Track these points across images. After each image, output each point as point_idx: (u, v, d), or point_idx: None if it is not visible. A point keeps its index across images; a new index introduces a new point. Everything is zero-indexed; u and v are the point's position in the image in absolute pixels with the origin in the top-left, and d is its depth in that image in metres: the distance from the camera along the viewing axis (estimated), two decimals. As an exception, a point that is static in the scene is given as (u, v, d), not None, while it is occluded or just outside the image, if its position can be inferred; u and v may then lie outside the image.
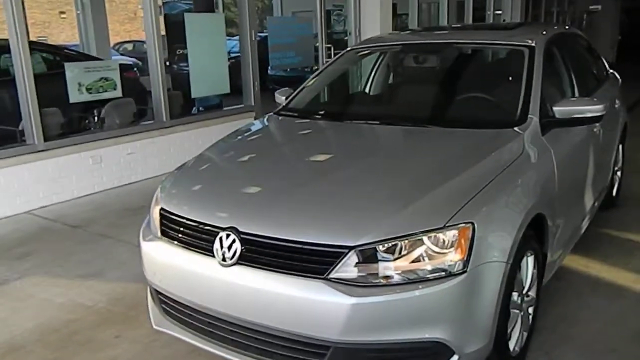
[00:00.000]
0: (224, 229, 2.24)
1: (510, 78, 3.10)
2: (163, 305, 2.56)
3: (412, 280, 2.05)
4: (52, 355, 2.80)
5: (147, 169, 5.97)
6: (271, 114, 3.48)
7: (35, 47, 7.24)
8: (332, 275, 2.04)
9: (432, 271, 2.06)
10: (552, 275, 3.03)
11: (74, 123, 5.83)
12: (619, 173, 4.76)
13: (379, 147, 2.79)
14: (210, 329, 2.33)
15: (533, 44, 3.23)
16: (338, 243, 2.06)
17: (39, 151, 5.15)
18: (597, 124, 3.58)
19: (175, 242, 2.43)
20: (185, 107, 6.87)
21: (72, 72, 5.45)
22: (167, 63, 6.87)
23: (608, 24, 19.18)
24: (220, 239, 2.23)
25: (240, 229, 2.21)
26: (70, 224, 4.76)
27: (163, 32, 7.14)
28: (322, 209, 2.23)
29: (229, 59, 6.99)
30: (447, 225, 2.09)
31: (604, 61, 4.68)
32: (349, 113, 3.33)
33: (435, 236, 2.07)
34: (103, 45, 10.43)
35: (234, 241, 2.20)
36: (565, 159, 2.99)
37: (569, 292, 3.32)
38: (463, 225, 2.10)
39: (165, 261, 2.45)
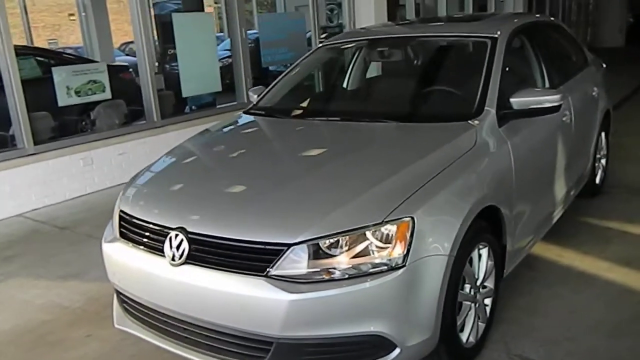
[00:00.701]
0: (173, 229, 2.30)
1: (470, 70, 3.10)
2: (124, 305, 2.62)
3: (352, 276, 2.08)
4: (22, 356, 2.89)
5: (139, 169, 6.02)
6: (241, 113, 3.52)
7: (30, 52, 7.42)
8: (273, 272, 2.08)
9: (372, 266, 2.09)
10: (516, 265, 3.03)
11: (64, 126, 5.92)
12: (602, 161, 4.72)
13: (333, 144, 2.82)
14: (165, 327, 2.40)
15: (495, 36, 3.22)
16: (277, 241, 2.11)
17: (29, 155, 5.27)
18: (567, 113, 3.58)
19: (132, 243, 2.49)
20: (178, 106, 6.95)
21: (60, 76, 5.55)
22: (158, 64, 6.94)
23: (617, 6, 18.90)
24: (170, 239, 2.29)
25: (188, 229, 2.27)
26: (59, 225, 4.86)
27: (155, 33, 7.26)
28: (265, 208, 2.27)
29: (227, 57, 6.98)
30: (385, 220, 2.12)
31: (584, 49, 4.63)
32: (311, 110, 3.35)
33: (374, 232, 2.11)
34: (106, 46, 10.54)
35: (182, 241, 2.26)
36: (527, 149, 3.00)
37: (538, 282, 3.32)
38: (402, 220, 2.13)
39: (123, 262, 2.51)
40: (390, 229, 2.12)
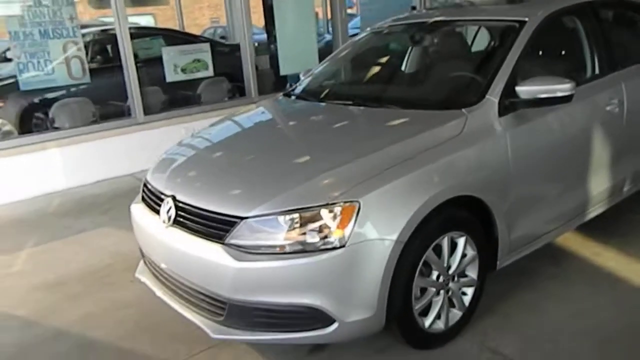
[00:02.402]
0: (167, 196, 2.58)
1: (489, 57, 2.94)
2: (143, 257, 2.99)
3: (297, 251, 2.19)
4: (81, 289, 3.42)
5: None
6: (280, 94, 3.69)
7: (162, 32, 8.23)
8: (229, 240, 2.26)
9: (315, 244, 2.17)
10: (521, 257, 2.86)
11: (172, 99, 6.55)
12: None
13: (328, 127, 2.86)
14: (162, 279, 2.71)
15: (525, 19, 3.00)
16: (233, 213, 2.28)
17: (140, 123, 5.97)
18: (615, 102, 3.23)
19: (145, 206, 2.83)
20: (277, 83, 7.28)
21: (169, 55, 6.16)
22: (257, 44, 7.30)
23: None
24: (165, 204, 2.58)
25: (177, 197, 2.53)
26: (155, 186, 5.47)
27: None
28: (233, 183, 2.46)
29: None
30: (331, 202, 2.19)
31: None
32: (331, 94, 3.35)
33: (322, 212, 2.18)
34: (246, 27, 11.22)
35: (171, 207, 2.53)
36: (538, 139, 2.81)
37: (556, 279, 3.10)
38: (347, 203, 2.18)
39: (140, 221, 2.85)
40: (336, 210, 2.18)
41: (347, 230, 2.17)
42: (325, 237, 2.18)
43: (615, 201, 3.46)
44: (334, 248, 2.16)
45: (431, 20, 3.49)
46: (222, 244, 2.28)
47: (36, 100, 6.12)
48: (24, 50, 5.30)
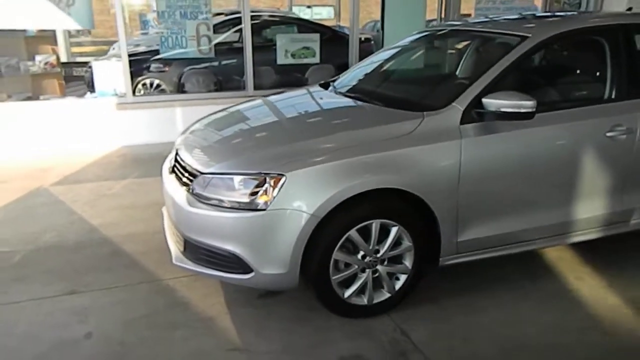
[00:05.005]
0: (175, 150, 3.02)
1: (478, 66, 2.84)
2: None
3: (230, 206, 2.46)
4: (140, 214, 4.06)
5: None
6: (318, 84, 3.88)
7: (295, 22, 8.72)
8: (192, 190, 2.62)
9: (243, 203, 2.43)
10: (477, 258, 2.77)
11: (282, 79, 7.03)
12: None
13: (315, 114, 3.04)
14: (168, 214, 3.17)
15: (527, 35, 2.83)
16: (198, 168, 2.63)
17: (249, 96, 6.56)
18: (621, 129, 2.91)
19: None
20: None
21: (282, 41, 6.62)
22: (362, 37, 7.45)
23: None
24: (171, 154, 3.02)
25: (178, 152, 2.95)
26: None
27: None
28: (211, 147, 2.82)
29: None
30: (261, 172, 2.42)
31: None
32: (346, 86, 3.44)
33: (248, 178, 2.43)
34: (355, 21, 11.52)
35: (172, 158, 2.96)
36: (501, 153, 2.67)
37: (519, 291, 2.94)
38: (273, 175, 2.39)
39: (163, 167, 3.32)
40: (266, 179, 2.41)
41: (270, 197, 2.38)
42: (253, 199, 2.41)
43: (617, 231, 3.10)
44: (257, 210, 2.40)
45: (448, 30, 3.40)
46: (188, 191, 2.65)
47: (181, 68, 7.04)
48: (167, 27, 6.15)
